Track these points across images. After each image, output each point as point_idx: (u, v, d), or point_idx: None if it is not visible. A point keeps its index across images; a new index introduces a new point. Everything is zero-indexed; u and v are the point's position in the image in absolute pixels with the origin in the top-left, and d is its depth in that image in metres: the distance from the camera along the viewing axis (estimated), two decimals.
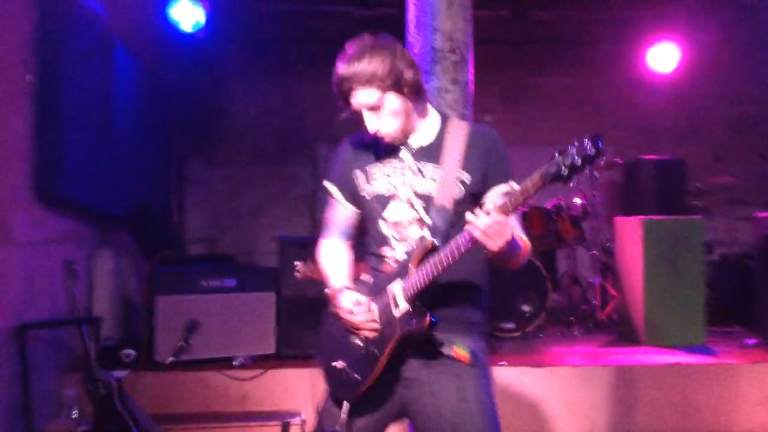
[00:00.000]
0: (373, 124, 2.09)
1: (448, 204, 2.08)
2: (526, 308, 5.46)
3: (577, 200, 6.17)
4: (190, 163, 7.43)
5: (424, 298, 2.01)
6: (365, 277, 2.20)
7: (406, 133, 2.14)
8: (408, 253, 2.07)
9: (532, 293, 5.48)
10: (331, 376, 2.15)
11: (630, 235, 5.32)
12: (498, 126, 8.40)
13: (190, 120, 7.22)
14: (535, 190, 1.84)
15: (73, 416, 3.94)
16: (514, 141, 8.01)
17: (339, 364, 2.11)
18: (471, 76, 3.70)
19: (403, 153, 2.17)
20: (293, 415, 3.98)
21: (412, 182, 2.14)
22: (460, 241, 1.92)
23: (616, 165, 6.24)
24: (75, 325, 3.73)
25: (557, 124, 7.78)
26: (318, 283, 4.45)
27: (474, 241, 1.88)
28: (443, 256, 1.95)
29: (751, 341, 5.02)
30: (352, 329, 2.08)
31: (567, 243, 6.13)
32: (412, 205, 2.13)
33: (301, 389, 4.15)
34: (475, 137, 2.17)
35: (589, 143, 1.75)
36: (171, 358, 4.18)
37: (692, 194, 6.30)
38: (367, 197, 2.19)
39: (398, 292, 2.03)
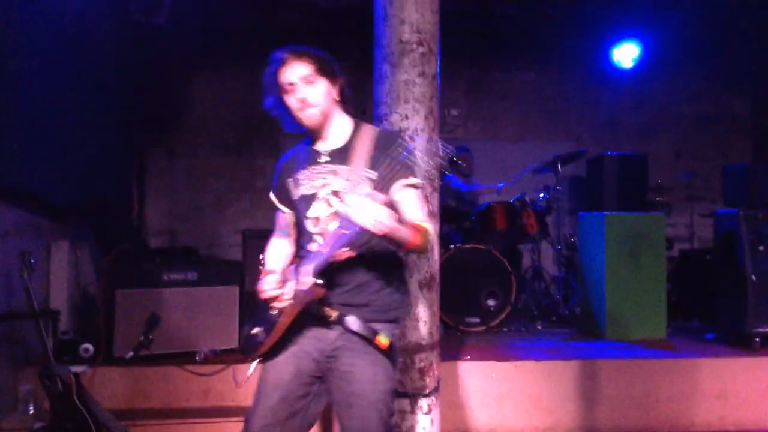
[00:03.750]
0: (302, 92, 2.37)
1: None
2: (490, 303, 5.49)
3: (542, 195, 6.22)
4: (152, 154, 7.30)
5: (348, 287, 2.36)
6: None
7: (325, 116, 2.42)
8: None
9: (496, 288, 5.51)
10: (246, 339, 2.46)
11: (592, 230, 5.37)
12: (463, 120, 8.42)
13: (151, 110, 7.08)
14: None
15: (30, 412, 3.85)
16: (478, 136, 8.11)
17: (255, 330, 2.43)
18: (438, 69, 3.67)
19: (322, 158, 2.46)
20: None
21: (329, 182, 2.42)
22: (340, 224, 2.19)
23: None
24: (31, 319, 3.63)
25: (522, 119, 7.83)
26: None
27: (349, 223, 2.13)
28: (333, 236, 2.22)
29: (711, 336, 5.12)
30: (269, 303, 2.38)
31: (531, 238, 6.17)
32: (328, 203, 2.40)
33: None
34: (380, 138, 2.44)
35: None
36: (131, 353, 4.11)
37: (653, 190, 6.40)
38: (296, 200, 2.49)
39: (304, 271, 2.30)
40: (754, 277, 4.67)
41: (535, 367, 4.25)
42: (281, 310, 2.36)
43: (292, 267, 2.43)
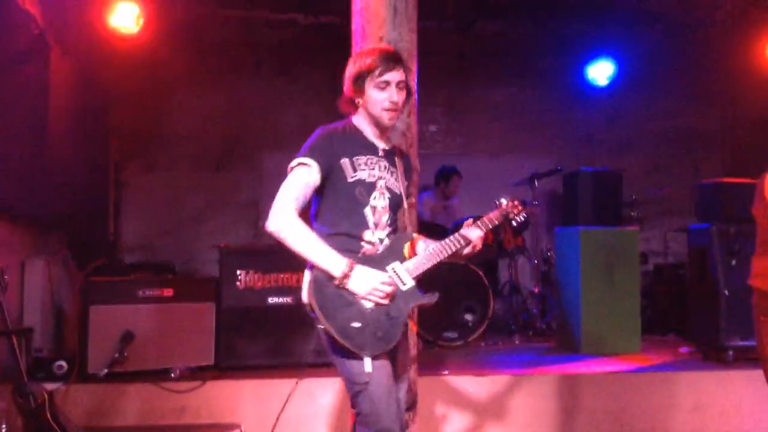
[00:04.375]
0: (396, 96, 2.53)
1: (404, 202, 2.66)
2: (468, 318, 5.51)
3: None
4: (129, 169, 7.25)
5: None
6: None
7: (395, 122, 2.62)
8: (391, 239, 2.57)
9: (474, 303, 5.53)
10: (350, 334, 2.40)
11: (568, 245, 5.43)
12: (442, 136, 8.49)
13: (129, 124, 7.04)
14: (499, 223, 2.76)
15: (2, 430, 3.77)
16: (458, 151, 8.17)
17: (357, 324, 2.40)
18: (416, 87, 3.70)
19: (378, 151, 2.61)
20: (232, 427, 3.91)
21: (385, 177, 2.60)
22: (455, 241, 2.59)
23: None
24: (5, 336, 3.58)
25: (501, 134, 7.90)
26: (259, 292, 4.41)
27: (464, 244, 2.60)
28: (441, 251, 2.56)
29: (685, 349, 5.18)
30: (369, 298, 2.42)
31: (508, 253, 6.21)
32: (383, 196, 2.57)
33: (240, 401, 4.08)
34: (406, 157, 2.80)
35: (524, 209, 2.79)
36: (105, 370, 4.07)
37: (628, 205, 6.47)
38: (353, 183, 2.53)
39: (401, 271, 2.51)
40: (726, 291, 4.72)
41: (513, 382, 4.26)
42: (402, 311, 2.48)
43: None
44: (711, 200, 5.15)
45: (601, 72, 7.68)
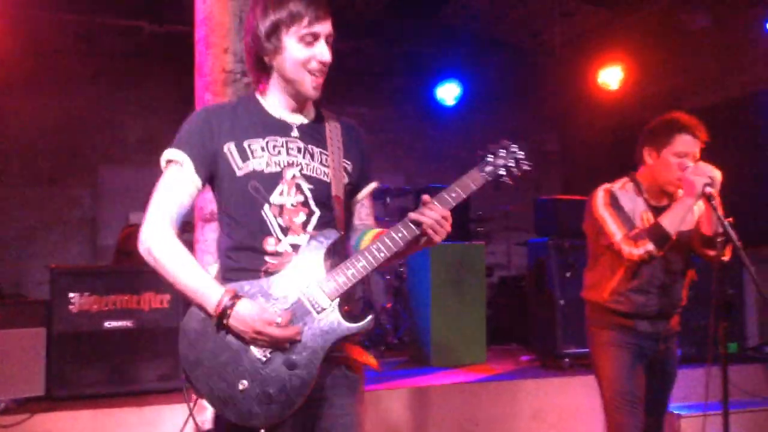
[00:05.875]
0: (327, 55, 1.96)
1: (340, 192, 1.97)
2: None
3: None
4: None
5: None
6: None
7: (319, 92, 2.00)
8: (306, 245, 1.88)
9: None
10: (234, 398, 1.79)
11: (419, 260, 5.53)
12: None
13: None
14: (476, 187, 2.03)
15: None
16: None
17: (243, 384, 1.79)
18: None
19: (291, 130, 1.99)
20: None
21: (300, 162, 1.95)
22: (399, 235, 1.88)
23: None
24: None
25: None
26: (95, 315, 4.11)
27: (415, 234, 1.88)
28: (377, 251, 1.85)
29: (525, 358, 5.43)
30: (261, 343, 1.80)
31: None
32: (298, 188, 1.92)
33: None
34: (349, 128, 2.12)
35: (516, 147, 2.09)
36: None
37: (475, 221, 6.73)
38: (243, 176, 1.90)
39: (317, 293, 1.83)
40: (562, 302, 5.01)
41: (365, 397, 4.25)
42: (312, 354, 1.80)
43: (253, 281, 1.84)
44: (548, 216, 5.45)
45: (448, 93, 7.99)
